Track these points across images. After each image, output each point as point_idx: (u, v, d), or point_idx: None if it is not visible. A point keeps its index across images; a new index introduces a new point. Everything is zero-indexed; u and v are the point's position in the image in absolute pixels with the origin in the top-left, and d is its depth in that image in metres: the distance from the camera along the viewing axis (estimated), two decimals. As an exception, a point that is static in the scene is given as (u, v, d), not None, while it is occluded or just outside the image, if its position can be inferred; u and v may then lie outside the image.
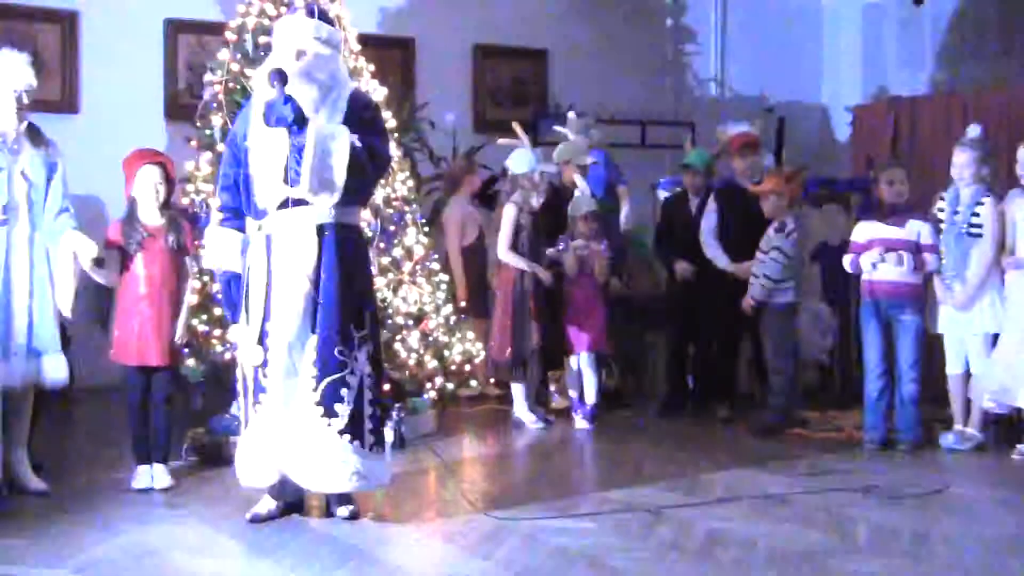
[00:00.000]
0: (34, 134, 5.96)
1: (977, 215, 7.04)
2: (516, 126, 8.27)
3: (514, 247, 7.89)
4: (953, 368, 7.22)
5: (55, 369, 5.96)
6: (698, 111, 11.54)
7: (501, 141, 8.46)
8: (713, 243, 8.12)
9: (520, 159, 7.97)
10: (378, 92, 7.69)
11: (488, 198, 9.36)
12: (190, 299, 6.33)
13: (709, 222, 8.17)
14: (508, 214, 7.91)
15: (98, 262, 5.93)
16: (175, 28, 9.54)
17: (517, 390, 8.01)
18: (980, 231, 7.03)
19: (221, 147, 7.22)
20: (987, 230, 7.01)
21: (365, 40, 8.00)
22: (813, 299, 8.51)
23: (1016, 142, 7.19)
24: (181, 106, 9.22)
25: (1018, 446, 6.88)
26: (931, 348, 7.41)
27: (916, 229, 7.11)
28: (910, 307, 7.14)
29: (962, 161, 7.12)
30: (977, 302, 7.06)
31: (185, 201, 7.27)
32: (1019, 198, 7.00)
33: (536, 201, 7.91)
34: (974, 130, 7.29)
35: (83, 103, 9.34)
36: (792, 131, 10.84)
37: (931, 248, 7.07)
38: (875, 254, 7.09)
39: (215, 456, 6.58)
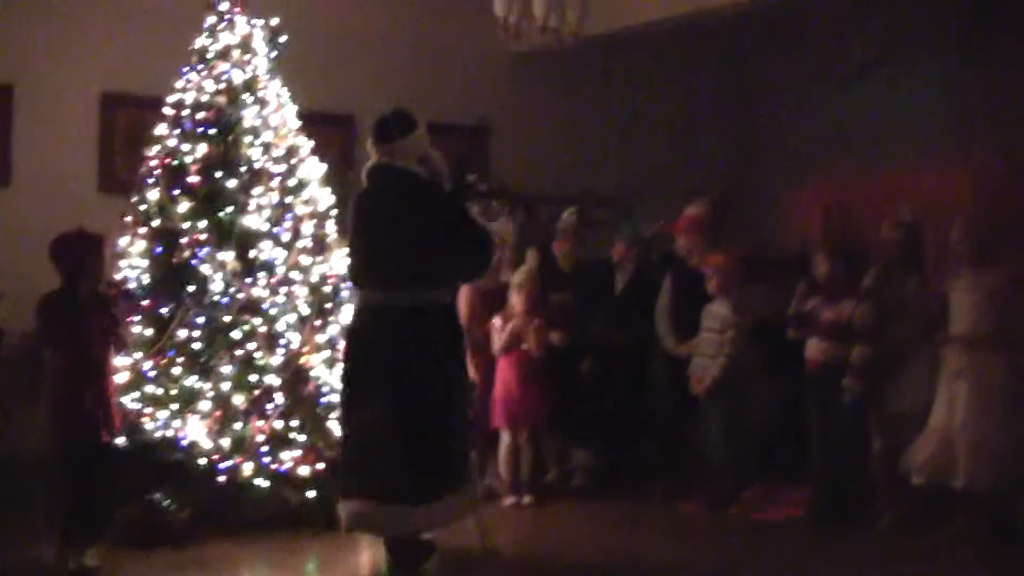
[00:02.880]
0: None
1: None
2: None
3: (471, 329, 7.85)
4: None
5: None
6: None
7: None
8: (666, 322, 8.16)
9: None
10: (319, 167, 7.67)
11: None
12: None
13: (663, 300, 8.21)
14: (464, 298, 7.95)
15: None
16: (112, 101, 9.46)
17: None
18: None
19: (157, 222, 7.21)
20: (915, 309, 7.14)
21: (305, 118, 7.94)
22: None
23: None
24: (117, 180, 9.11)
25: None
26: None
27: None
28: None
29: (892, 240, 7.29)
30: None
31: (118, 277, 7.18)
32: (953, 278, 7.11)
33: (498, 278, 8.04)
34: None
35: (16, 175, 9.20)
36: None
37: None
38: None
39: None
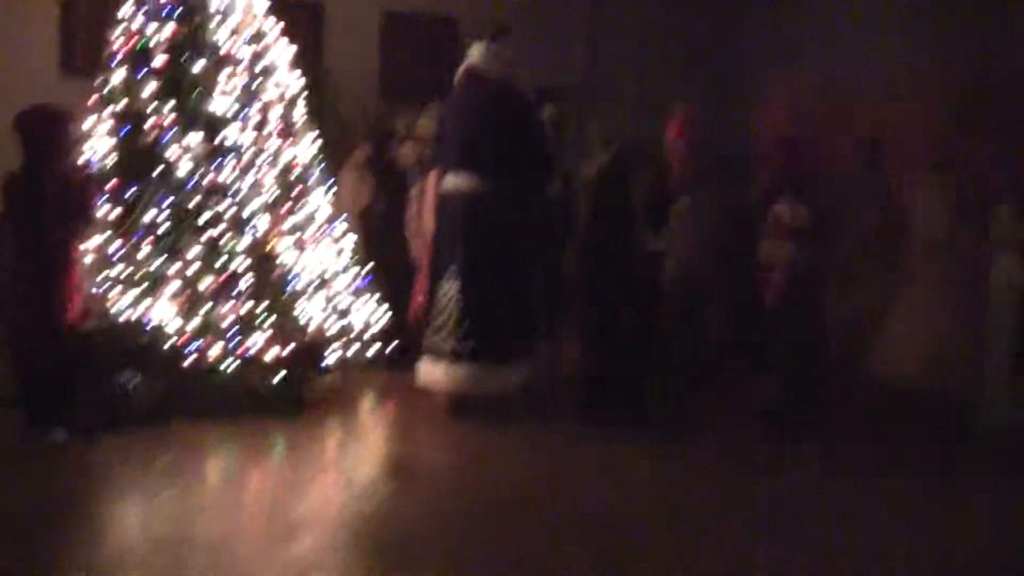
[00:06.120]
0: None
1: None
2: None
3: None
4: None
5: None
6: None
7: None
8: None
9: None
10: (288, 51, 7.60)
11: (384, 165, 9.26)
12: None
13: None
14: (430, 187, 7.96)
15: None
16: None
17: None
18: None
19: (122, 104, 7.12)
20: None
21: (273, 3, 7.84)
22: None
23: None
24: (79, 62, 8.97)
25: None
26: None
27: None
28: None
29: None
30: None
31: (84, 158, 7.11)
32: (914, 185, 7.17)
33: None
34: None
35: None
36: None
37: None
38: None
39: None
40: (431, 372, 7.10)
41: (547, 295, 7.71)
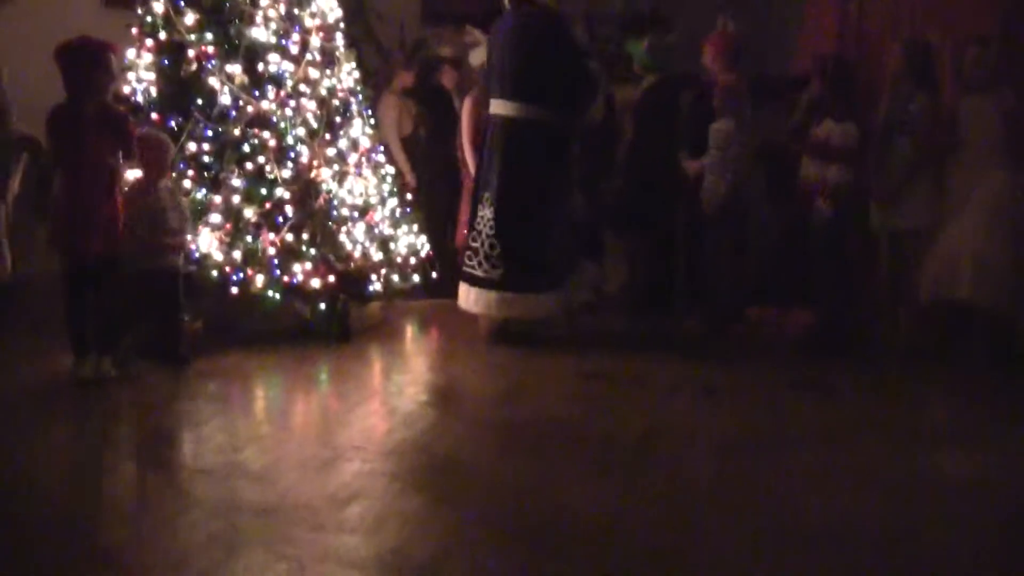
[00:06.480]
0: None
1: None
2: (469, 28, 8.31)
3: (475, 143, 7.87)
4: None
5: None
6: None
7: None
8: None
9: (478, 55, 7.97)
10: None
11: (430, 90, 9.23)
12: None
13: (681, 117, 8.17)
14: (467, 109, 7.95)
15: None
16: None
17: None
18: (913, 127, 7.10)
19: (163, 35, 7.13)
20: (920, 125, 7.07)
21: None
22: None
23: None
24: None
25: None
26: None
27: None
28: None
29: (899, 57, 7.19)
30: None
31: (126, 90, 7.15)
32: (968, 96, 7.04)
33: None
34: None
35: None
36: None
37: None
38: None
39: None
40: (467, 297, 7.18)
41: (590, 219, 7.67)
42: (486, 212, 7.06)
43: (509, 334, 7.22)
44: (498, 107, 7.13)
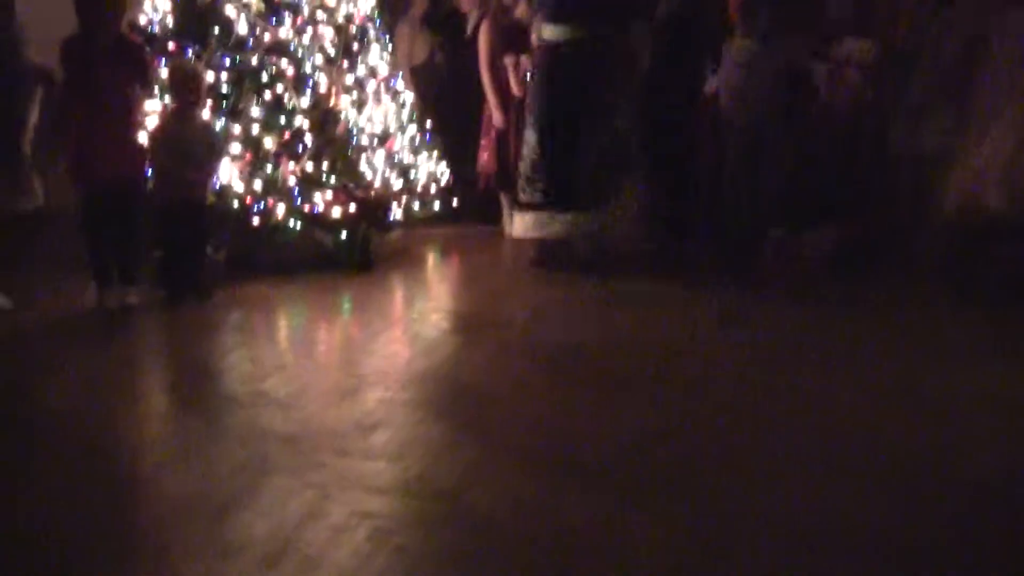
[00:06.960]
0: None
1: None
2: None
3: (493, 67, 7.81)
4: None
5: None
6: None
7: None
8: None
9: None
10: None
11: (447, 15, 9.13)
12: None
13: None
14: (485, 32, 7.87)
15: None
16: None
17: (505, 202, 8.11)
18: None
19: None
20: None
21: None
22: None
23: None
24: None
25: None
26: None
27: None
28: None
29: None
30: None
31: (142, 20, 7.10)
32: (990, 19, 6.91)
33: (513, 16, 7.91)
34: None
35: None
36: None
37: None
38: None
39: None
40: (510, 220, 7.38)
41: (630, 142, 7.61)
42: (531, 135, 7.18)
43: (552, 259, 7.31)
44: (548, 31, 7.10)
